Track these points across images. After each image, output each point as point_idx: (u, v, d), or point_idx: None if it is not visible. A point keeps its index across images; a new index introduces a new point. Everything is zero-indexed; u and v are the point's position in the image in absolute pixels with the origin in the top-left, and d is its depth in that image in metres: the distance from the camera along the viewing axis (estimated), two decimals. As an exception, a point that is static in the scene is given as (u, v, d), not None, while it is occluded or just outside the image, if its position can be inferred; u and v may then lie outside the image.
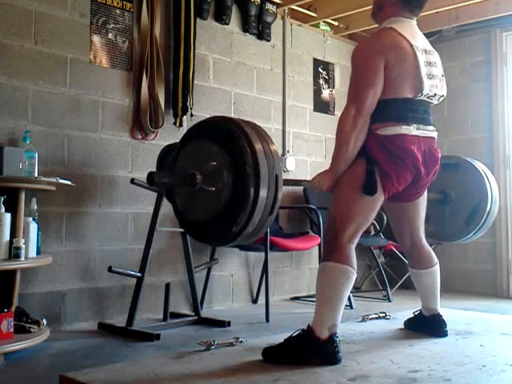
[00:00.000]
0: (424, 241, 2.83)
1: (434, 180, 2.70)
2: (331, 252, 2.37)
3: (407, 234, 2.82)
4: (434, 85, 2.52)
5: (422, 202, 2.79)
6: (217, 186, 2.02)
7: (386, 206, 2.74)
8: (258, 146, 2.01)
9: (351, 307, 3.97)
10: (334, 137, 2.46)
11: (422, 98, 2.50)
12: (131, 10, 3.69)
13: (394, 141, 2.42)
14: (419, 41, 2.53)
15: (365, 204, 2.42)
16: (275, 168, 2.02)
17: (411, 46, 2.46)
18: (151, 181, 2.13)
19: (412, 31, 2.53)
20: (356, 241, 2.42)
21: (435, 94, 2.54)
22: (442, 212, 2.86)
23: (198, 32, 4.00)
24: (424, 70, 2.47)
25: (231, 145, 2.00)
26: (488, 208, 3.00)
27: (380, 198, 2.46)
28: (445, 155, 2.89)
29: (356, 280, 2.39)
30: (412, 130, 2.46)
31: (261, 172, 1.96)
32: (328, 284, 2.31)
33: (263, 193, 1.98)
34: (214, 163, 2.01)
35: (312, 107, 4.93)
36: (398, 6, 2.54)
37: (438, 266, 2.84)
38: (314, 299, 2.40)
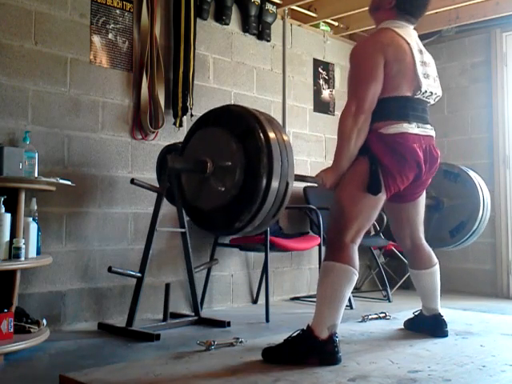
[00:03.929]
0: (424, 241, 2.84)
1: (431, 182, 2.72)
2: (333, 251, 2.36)
3: (407, 235, 2.82)
4: (430, 84, 2.55)
5: (422, 201, 2.80)
6: (226, 183, 2.01)
7: (386, 206, 2.74)
8: (276, 153, 1.98)
9: (351, 307, 3.97)
10: (335, 137, 2.47)
11: (420, 96, 2.52)
12: (131, 10, 3.69)
13: (396, 139, 2.43)
14: (414, 41, 2.56)
15: (367, 203, 2.43)
16: (288, 176, 2.01)
17: (408, 44, 2.49)
18: (165, 164, 2.09)
19: (407, 32, 2.57)
20: (359, 240, 2.42)
21: (431, 93, 2.57)
22: (431, 216, 2.88)
23: (198, 32, 4.00)
24: (420, 69, 2.49)
25: (248, 142, 1.98)
26: (475, 227, 3.05)
27: (382, 198, 2.47)
28: (449, 163, 2.92)
29: (356, 280, 2.39)
30: (413, 128, 2.47)
31: (273, 177, 1.95)
32: (329, 284, 2.31)
33: (271, 197, 1.97)
34: (229, 163, 1.99)
35: (312, 107, 4.93)
36: (394, 12, 2.57)
37: (437, 266, 2.84)
38: (314, 299, 2.40)
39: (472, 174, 3.11)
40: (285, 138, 2.05)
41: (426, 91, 2.52)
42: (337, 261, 2.32)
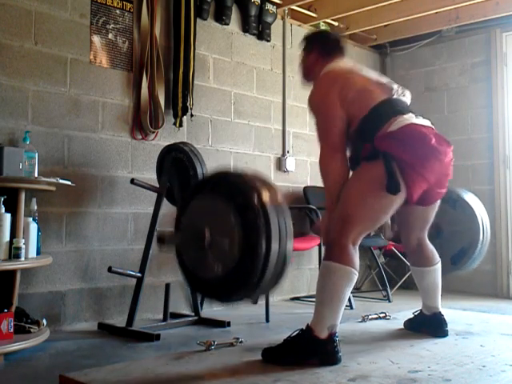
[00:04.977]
0: (427, 239, 2.83)
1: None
2: (334, 252, 2.34)
3: (415, 236, 2.81)
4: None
5: (437, 204, 2.76)
6: (222, 262, 2.00)
7: (400, 208, 2.60)
8: (275, 232, 1.96)
9: (351, 307, 3.97)
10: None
11: (396, 96, 2.56)
12: (131, 10, 3.69)
13: (404, 130, 2.39)
14: (353, 64, 2.70)
15: (379, 205, 2.38)
16: (286, 255, 2.00)
17: (350, 68, 2.60)
18: (162, 242, 2.06)
19: (344, 62, 2.67)
20: (359, 242, 2.39)
21: (403, 91, 2.62)
22: (432, 244, 2.91)
23: (198, 32, 4.00)
24: (376, 77, 2.60)
25: (248, 220, 1.96)
26: (476, 253, 3.06)
27: (397, 200, 2.39)
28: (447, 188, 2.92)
29: (356, 280, 2.39)
30: (413, 118, 2.46)
31: (268, 265, 1.95)
32: (329, 284, 2.30)
33: (265, 281, 1.98)
34: (227, 240, 1.98)
35: (312, 107, 4.93)
36: (322, 58, 2.66)
37: (440, 265, 2.84)
38: (314, 299, 2.40)
39: (470, 199, 3.13)
40: (287, 220, 2.05)
41: (397, 89, 2.57)
42: (338, 261, 2.30)
